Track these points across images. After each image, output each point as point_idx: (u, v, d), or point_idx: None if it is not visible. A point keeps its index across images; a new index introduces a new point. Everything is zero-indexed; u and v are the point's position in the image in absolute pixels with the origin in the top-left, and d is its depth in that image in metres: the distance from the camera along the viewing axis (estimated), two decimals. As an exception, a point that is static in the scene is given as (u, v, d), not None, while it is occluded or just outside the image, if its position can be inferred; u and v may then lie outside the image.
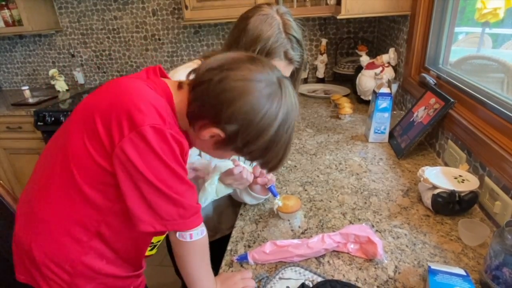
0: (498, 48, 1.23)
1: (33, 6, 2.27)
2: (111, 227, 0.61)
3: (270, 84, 0.58)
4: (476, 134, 0.92)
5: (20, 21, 2.26)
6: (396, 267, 0.74)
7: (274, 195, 0.91)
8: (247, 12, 0.90)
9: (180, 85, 0.63)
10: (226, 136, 0.59)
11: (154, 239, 0.75)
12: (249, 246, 0.82)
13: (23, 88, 2.40)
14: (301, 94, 2.07)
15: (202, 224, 0.62)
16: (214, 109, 0.57)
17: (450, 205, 0.86)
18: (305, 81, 2.35)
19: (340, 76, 2.28)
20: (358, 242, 0.77)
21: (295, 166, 1.21)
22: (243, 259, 0.77)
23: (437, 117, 1.13)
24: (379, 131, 1.35)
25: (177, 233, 0.59)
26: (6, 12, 2.27)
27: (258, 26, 0.86)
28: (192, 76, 0.62)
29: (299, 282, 0.68)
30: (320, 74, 2.29)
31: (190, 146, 0.64)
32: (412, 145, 1.18)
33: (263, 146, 0.60)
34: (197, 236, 0.60)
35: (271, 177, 0.92)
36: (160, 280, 1.90)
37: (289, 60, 0.90)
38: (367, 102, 1.76)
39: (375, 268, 0.74)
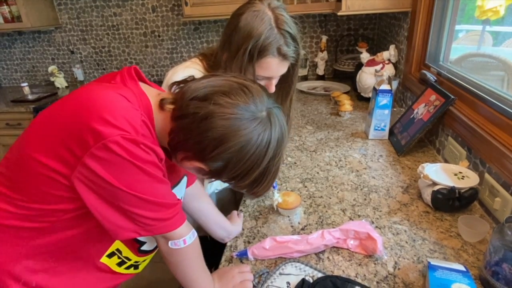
0: (498, 46, 1.23)
1: (32, 2, 2.26)
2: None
3: (259, 120, 0.54)
4: (476, 130, 0.92)
5: (19, 17, 2.25)
6: (395, 263, 0.74)
7: (273, 186, 0.91)
8: (239, 8, 0.87)
9: (161, 104, 0.57)
10: (210, 171, 0.57)
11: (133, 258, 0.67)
12: (248, 242, 0.82)
13: (22, 84, 2.39)
14: (301, 91, 2.07)
15: (190, 226, 0.62)
16: (198, 146, 0.54)
17: (450, 202, 0.86)
18: (305, 78, 2.35)
19: (340, 73, 2.28)
20: (358, 238, 0.78)
21: (295, 163, 1.21)
22: (242, 255, 0.77)
23: (437, 114, 1.12)
24: (379, 128, 1.34)
25: (170, 242, 0.57)
26: (5, 8, 2.26)
27: (249, 23, 0.83)
28: (174, 93, 0.58)
29: (299, 278, 0.69)
30: (320, 71, 2.29)
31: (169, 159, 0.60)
32: (412, 142, 1.18)
33: (250, 180, 0.58)
34: (190, 240, 0.59)
35: None
36: (160, 276, 1.91)
37: (283, 56, 0.87)
38: (367, 99, 1.76)
39: (375, 264, 0.74)
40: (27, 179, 0.52)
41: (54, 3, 2.42)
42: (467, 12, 1.35)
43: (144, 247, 0.66)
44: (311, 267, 0.72)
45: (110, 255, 0.64)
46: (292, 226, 0.88)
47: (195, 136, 0.53)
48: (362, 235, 0.77)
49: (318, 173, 1.13)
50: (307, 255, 0.77)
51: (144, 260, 0.70)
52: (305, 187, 1.05)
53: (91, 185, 0.50)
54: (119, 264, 0.66)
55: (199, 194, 0.82)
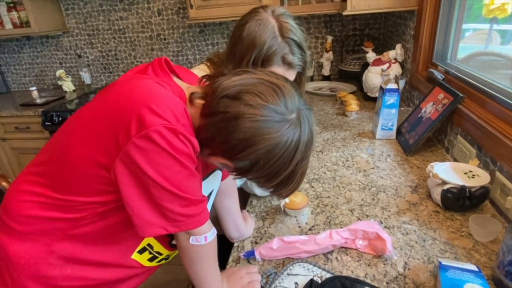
0: (506, 45, 1.21)
1: (40, 8, 2.29)
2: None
3: (289, 123, 0.53)
4: (486, 128, 0.91)
5: (28, 23, 2.29)
6: (405, 263, 0.73)
7: None
8: (242, 18, 0.86)
9: (191, 99, 0.57)
10: (236, 169, 0.57)
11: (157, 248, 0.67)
12: (256, 243, 0.82)
13: (31, 89, 2.43)
14: (306, 92, 2.06)
15: (211, 224, 0.62)
16: (226, 146, 0.53)
17: (460, 201, 0.85)
18: (311, 79, 2.34)
19: (346, 74, 2.27)
20: (367, 238, 0.77)
21: (302, 163, 1.20)
22: (250, 255, 0.76)
23: (446, 113, 1.11)
24: (387, 128, 1.33)
25: (192, 238, 0.57)
26: (14, 14, 2.30)
27: (252, 32, 0.81)
28: (204, 89, 0.57)
29: (308, 278, 0.68)
30: (326, 71, 2.28)
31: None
32: (420, 141, 1.17)
33: (276, 182, 0.58)
34: (211, 238, 0.59)
35: None
36: (167, 278, 1.91)
37: (289, 65, 0.85)
38: (373, 99, 1.75)
39: (384, 264, 0.73)
40: (68, 174, 0.54)
41: (62, 8, 2.46)
42: (474, 11, 1.33)
43: (175, 241, 0.66)
44: (319, 267, 0.72)
45: (141, 251, 0.64)
46: (299, 227, 0.87)
47: (223, 136, 0.53)
48: (371, 235, 0.76)
49: (325, 173, 1.12)
50: (315, 255, 0.76)
51: (174, 253, 0.70)
52: (312, 187, 1.04)
53: (129, 174, 0.50)
54: (151, 260, 0.67)
55: (231, 192, 0.80)
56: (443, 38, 1.40)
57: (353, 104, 1.63)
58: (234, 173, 0.59)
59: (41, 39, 2.57)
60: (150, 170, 0.49)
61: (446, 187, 0.86)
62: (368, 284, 0.65)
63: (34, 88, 2.44)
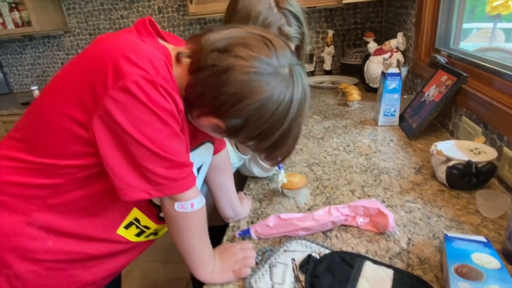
0: (511, 42, 1.17)
1: (41, 7, 2.31)
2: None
3: (281, 76, 0.51)
4: (492, 104, 0.87)
5: (29, 22, 2.31)
6: (409, 239, 0.69)
7: (279, 167, 0.87)
8: None
9: (178, 58, 0.54)
10: (227, 128, 0.54)
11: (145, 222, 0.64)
12: (252, 223, 0.78)
13: (32, 88, 2.43)
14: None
15: (199, 191, 0.59)
16: (216, 102, 0.51)
17: (466, 178, 0.80)
18: (312, 73, 2.31)
19: (347, 67, 2.24)
20: (368, 215, 0.73)
21: (301, 149, 1.17)
22: (245, 234, 0.73)
23: (450, 93, 1.07)
24: (389, 114, 1.29)
25: (176, 204, 0.54)
26: (16, 14, 2.32)
27: (247, 4, 0.79)
28: (192, 47, 0.55)
29: (305, 254, 0.64)
30: (327, 66, 2.25)
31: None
32: (423, 124, 1.13)
33: (270, 143, 0.55)
34: (198, 205, 0.56)
35: None
36: (167, 277, 1.87)
37: (286, 36, 0.82)
38: (376, 90, 1.70)
39: (387, 240, 0.69)
40: (44, 134, 0.52)
41: (63, 8, 2.47)
42: (477, 14, 1.31)
43: (163, 214, 0.62)
44: (317, 244, 0.68)
45: (128, 226, 0.61)
46: (297, 207, 0.83)
47: (213, 90, 0.50)
48: (372, 211, 0.72)
49: (325, 157, 1.09)
50: (313, 233, 0.72)
51: (164, 227, 0.67)
52: (312, 170, 1.01)
53: (108, 131, 0.48)
54: (138, 234, 0.63)
55: (225, 168, 0.77)
56: (445, 23, 1.37)
57: (354, 93, 1.60)
58: (225, 135, 0.56)
59: (43, 39, 2.59)
60: (129, 126, 0.46)
61: (451, 163, 0.82)
62: (369, 258, 0.62)
63: (36, 87, 2.44)
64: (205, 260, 0.60)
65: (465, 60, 1.15)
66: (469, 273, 0.50)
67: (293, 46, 0.87)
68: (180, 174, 0.52)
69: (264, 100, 0.50)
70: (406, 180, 0.91)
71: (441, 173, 0.85)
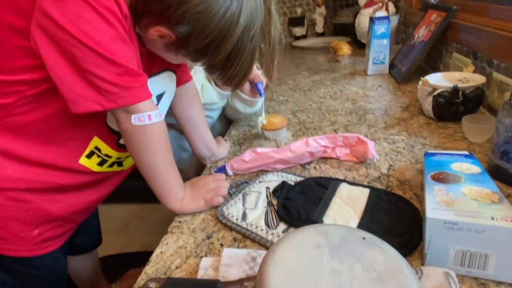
0: None
1: None
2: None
3: None
4: (482, 30, 0.82)
5: None
6: (390, 165, 0.66)
7: (260, 94, 0.84)
8: None
9: None
10: (177, 39, 0.50)
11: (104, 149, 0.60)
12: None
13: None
14: (301, 48, 1.98)
15: (156, 105, 0.55)
16: (161, 6, 0.47)
17: (453, 106, 0.76)
18: (304, 37, 2.24)
19: (340, 29, 2.15)
20: (348, 145, 0.69)
21: (287, 100, 1.13)
22: (221, 171, 0.70)
23: (439, 30, 1.02)
24: (378, 61, 1.24)
25: (133, 117, 0.50)
26: None
27: None
28: None
29: (280, 182, 0.61)
30: (319, 28, 2.18)
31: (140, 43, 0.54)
32: (413, 66, 1.08)
33: (222, 56, 0.52)
34: (156, 118, 0.52)
35: (261, 76, 0.85)
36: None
37: None
38: (367, 45, 1.65)
39: (367, 168, 0.66)
40: None
41: None
42: None
43: (122, 140, 0.59)
44: (294, 174, 0.65)
45: (89, 155, 0.58)
46: (278, 147, 0.80)
47: None
48: (352, 140, 0.69)
49: (310, 105, 1.05)
50: (291, 166, 0.69)
51: (127, 157, 0.64)
52: (296, 116, 0.97)
53: (48, 36, 0.44)
54: (101, 163, 0.61)
55: (193, 100, 0.73)
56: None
57: (344, 48, 1.54)
58: (175, 47, 0.52)
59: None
60: (69, 24, 0.43)
61: (437, 92, 0.77)
62: (345, 181, 0.59)
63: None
64: (173, 186, 0.57)
65: (456, -4, 1.08)
66: (446, 177, 0.47)
67: None
68: (132, 82, 0.48)
69: (210, 0, 0.46)
70: (392, 117, 0.87)
71: (428, 105, 0.81)
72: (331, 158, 0.71)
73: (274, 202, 0.57)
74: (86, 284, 0.97)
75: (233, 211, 0.56)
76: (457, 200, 0.41)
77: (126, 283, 1.16)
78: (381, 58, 1.24)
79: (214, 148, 0.75)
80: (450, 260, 0.39)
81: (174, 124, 0.78)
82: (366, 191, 0.55)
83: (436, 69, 1.16)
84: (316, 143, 0.69)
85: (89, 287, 0.98)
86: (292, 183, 0.61)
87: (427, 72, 1.16)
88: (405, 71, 1.11)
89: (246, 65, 0.55)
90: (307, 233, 0.37)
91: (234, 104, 0.92)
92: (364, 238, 0.35)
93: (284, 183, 0.60)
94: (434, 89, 0.79)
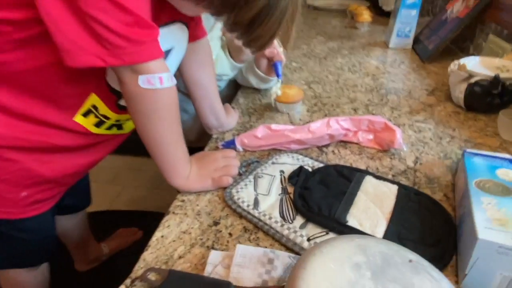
0: None
1: None
2: None
3: None
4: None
5: None
6: (417, 158, 0.60)
7: (277, 75, 0.75)
8: None
9: None
10: None
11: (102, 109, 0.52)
12: (238, 134, 0.68)
13: None
14: (314, 8, 1.82)
15: (167, 66, 0.46)
16: None
17: (488, 98, 0.69)
18: (319, -4, 2.06)
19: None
20: (372, 130, 0.63)
21: (300, 68, 1.03)
22: (229, 145, 0.63)
23: (479, 6, 0.91)
24: (403, 34, 1.14)
25: (141, 78, 0.41)
26: None
27: None
28: None
29: (296, 167, 0.55)
30: (336, -13, 2.00)
31: None
32: (442, 44, 0.99)
33: (252, 12, 0.43)
34: (168, 82, 0.44)
35: (282, 54, 0.76)
36: (155, 203, 1.86)
37: None
38: (389, 14, 1.52)
39: (391, 158, 0.60)
40: None
41: None
42: None
43: (122, 101, 0.52)
44: (311, 158, 0.59)
45: (86, 114, 0.50)
46: (291, 123, 0.73)
47: None
48: (378, 126, 0.62)
49: (327, 76, 0.96)
50: (307, 147, 0.63)
51: (127, 120, 0.56)
52: (311, 88, 0.89)
53: None
54: (98, 125, 0.53)
55: (205, 61, 0.63)
56: None
57: (365, 14, 1.41)
58: None
59: None
60: None
61: (474, 79, 0.70)
62: (371, 173, 0.53)
63: None
64: (178, 160, 0.50)
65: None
66: (494, 188, 0.41)
67: None
68: (142, 35, 0.39)
69: None
70: (417, 101, 0.80)
71: (460, 92, 0.74)
72: (351, 142, 0.64)
73: (290, 189, 0.51)
74: (74, 243, 0.93)
75: (244, 195, 0.50)
76: (511, 220, 0.36)
77: (115, 243, 1.14)
78: (406, 31, 1.13)
79: (222, 117, 0.67)
80: (494, 286, 0.35)
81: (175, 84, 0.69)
82: (394, 188, 0.49)
83: (464, 51, 1.07)
84: (338, 125, 0.62)
85: (77, 246, 0.95)
86: (310, 169, 0.55)
87: (453, 52, 1.08)
88: (433, 48, 1.01)
89: (274, 27, 0.46)
90: (343, 246, 0.31)
91: (247, 77, 0.83)
92: (410, 261, 0.30)
93: (301, 169, 0.54)
94: (470, 76, 0.71)
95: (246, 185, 0.52)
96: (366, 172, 0.53)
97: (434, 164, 0.58)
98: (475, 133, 0.67)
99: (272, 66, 0.77)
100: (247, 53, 0.78)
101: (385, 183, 0.51)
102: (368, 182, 0.50)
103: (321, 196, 0.48)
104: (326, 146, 0.63)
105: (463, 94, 0.72)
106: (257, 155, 0.62)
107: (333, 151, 0.62)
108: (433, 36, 1.05)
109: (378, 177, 0.52)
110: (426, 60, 1.02)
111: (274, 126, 0.62)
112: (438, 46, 1.00)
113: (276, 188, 0.52)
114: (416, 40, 1.14)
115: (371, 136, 0.63)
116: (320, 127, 0.61)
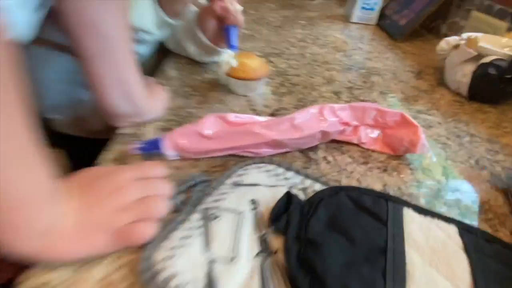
0: None
1: None
2: None
3: None
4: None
5: None
6: (444, 168, 0.40)
7: (230, 46, 0.49)
8: None
9: None
10: None
11: None
12: (168, 129, 0.40)
13: None
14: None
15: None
16: None
17: (501, 84, 0.54)
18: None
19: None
20: (380, 125, 0.41)
21: (253, 35, 0.78)
22: (151, 150, 0.35)
23: (463, -24, 0.77)
24: (368, 7, 0.96)
25: None
26: None
27: None
28: None
29: (277, 192, 0.30)
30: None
31: None
32: (417, 20, 0.83)
33: None
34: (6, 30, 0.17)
35: (239, 17, 0.50)
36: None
37: None
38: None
39: (411, 169, 0.39)
40: None
41: None
42: None
43: None
44: (298, 173, 0.34)
45: None
46: (253, 110, 0.48)
47: None
48: (390, 118, 0.41)
49: (288, 48, 0.72)
50: (286, 152, 0.39)
51: None
52: (271, 62, 0.65)
53: None
54: None
55: None
56: None
57: (319, -17, 1.21)
58: None
59: None
60: None
61: (488, 59, 0.54)
62: (405, 203, 0.31)
63: None
64: (28, 188, 0.21)
65: None
66: None
67: None
68: None
69: None
70: (407, 85, 0.62)
71: (462, 76, 0.57)
72: (348, 143, 0.42)
73: (276, 242, 0.27)
74: None
75: (183, 265, 0.24)
76: None
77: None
78: (372, 3, 0.95)
79: (139, 99, 0.38)
80: None
81: (64, 43, 0.39)
82: (453, 231, 0.29)
83: (433, 31, 0.94)
84: (334, 118, 0.39)
85: None
86: (301, 193, 0.31)
87: (421, 34, 0.94)
88: (406, 25, 0.85)
89: None
90: None
91: (184, 43, 0.54)
92: None
93: (291, 197, 0.29)
94: (481, 56, 0.55)
95: (186, 238, 0.26)
96: (400, 202, 0.31)
97: (470, 177, 0.39)
98: (492, 129, 0.51)
99: (223, 32, 0.51)
100: (186, 1, 0.50)
101: (435, 220, 0.29)
102: (410, 221, 0.29)
103: (343, 261, 0.24)
104: (314, 149, 0.40)
105: (468, 78, 0.56)
106: (204, 167, 0.35)
107: (325, 158, 0.39)
108: (405, 10, 0.89)
109: (420, 210, 0.30)
110: (399, 37, 0.85)
111: (231, 117, 0.36)
112: (412, 22, 0.84)
113: (249, 242, 0.26)
114: (381, 16, 0.98)
115: (376, 134, 0.42)
116: (310, 121, 0.37)
